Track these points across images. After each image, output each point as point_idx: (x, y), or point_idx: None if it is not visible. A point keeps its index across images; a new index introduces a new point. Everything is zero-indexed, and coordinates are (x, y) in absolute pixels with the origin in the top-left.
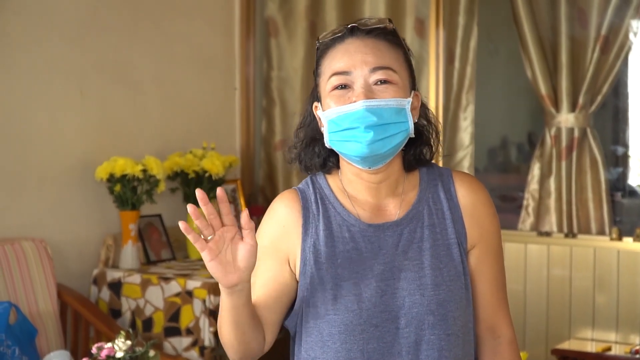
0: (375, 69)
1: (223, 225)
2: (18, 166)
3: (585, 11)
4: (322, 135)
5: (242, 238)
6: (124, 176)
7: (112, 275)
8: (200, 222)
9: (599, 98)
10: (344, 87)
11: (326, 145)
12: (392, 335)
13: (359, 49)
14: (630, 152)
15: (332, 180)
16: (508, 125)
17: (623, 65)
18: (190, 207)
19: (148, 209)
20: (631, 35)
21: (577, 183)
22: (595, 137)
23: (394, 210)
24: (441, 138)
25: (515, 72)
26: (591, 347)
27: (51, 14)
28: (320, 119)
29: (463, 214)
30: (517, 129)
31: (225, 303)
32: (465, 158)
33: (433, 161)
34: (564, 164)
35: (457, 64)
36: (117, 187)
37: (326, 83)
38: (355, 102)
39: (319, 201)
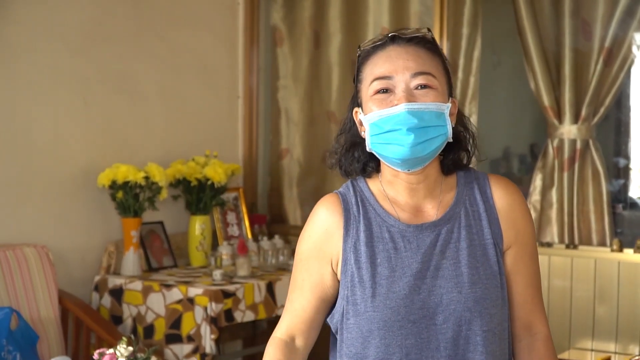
0: (416, 74)
1: None
2: (21, 173)
3: (589, 23)
4: (362, 140)
5: None
6: (126, 183)
7: (114, 281)
8: None
9: (602, 110)
10: (385, 91)
11: (367, 149)
12: (429, 332)
13: (400, 55)
14: (632, 165)
15: (372, 183)
16: (511, 137)
17: (626, 78)
18: None
19: (150, 216)
20: (634, 48)
21: (578, 194)
22: (598, 149)
23: (432, 211)
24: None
25: (518, 83)
26: (591, 358)
27: (55, 24)
28: (361, 123)
29: (499, 216)
30: (520, 140)
31: None
32: None
33: (470, 166)
34: (566, 175)
35: (460, 74)
36: (119, 194)
37: (368, 88)
38: (397, 105)
39: (359, 203)
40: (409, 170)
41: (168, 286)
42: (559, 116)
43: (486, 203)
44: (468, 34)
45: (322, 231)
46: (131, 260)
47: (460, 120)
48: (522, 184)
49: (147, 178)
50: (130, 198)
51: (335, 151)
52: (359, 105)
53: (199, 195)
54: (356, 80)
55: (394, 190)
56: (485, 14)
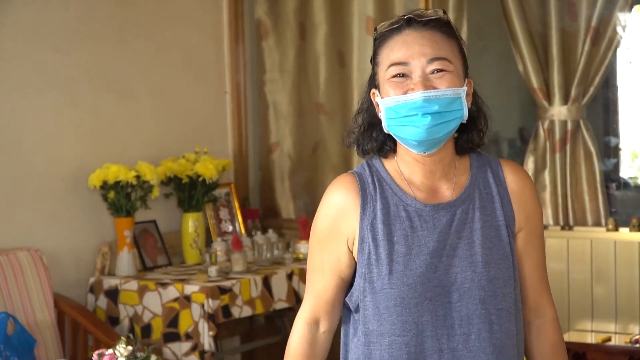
0: (433, 60)
1: None
2: (11, 177)
3: (574, 4)
4: (379, 120)
5: None
6: (117, 183)
7: (109, 282)
8: None
9: (591, 90)
10: (402, 75)
11: (384, 130)
12: (445, 309)
13: (416, 40)
14: (622, 145)
15: (389, 163)
16: (500, 122)
17: (613, 56)
18: None
19: (142, 215)
20: (619, 29)
21: (571, 175)
22: (589, 129)
23: (448, 192)
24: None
25: (506, 67)
26: (591, 339)
27: (40, 24)
28: (378, 104)
29: (511, 199)
30: (509, 124)
31: None
32: None
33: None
34: (558, 156)
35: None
36: (111, 194)
37: (385, 72)
38: (413, 90)
39: (375, 183)
40: (424, 152)
41: (164, 284)
42: (549, 98)
43: (499, 186)
44: (454, 20)
45: (339, 210)
46: (125, 260)
47: (474, 100)
48: None
49: (138, 177)
50: (122, 198)
51: (352, 130)
52: (376, 87)
53: (190, 193)
54: (373, 62)
55: (410, 170)
56: None
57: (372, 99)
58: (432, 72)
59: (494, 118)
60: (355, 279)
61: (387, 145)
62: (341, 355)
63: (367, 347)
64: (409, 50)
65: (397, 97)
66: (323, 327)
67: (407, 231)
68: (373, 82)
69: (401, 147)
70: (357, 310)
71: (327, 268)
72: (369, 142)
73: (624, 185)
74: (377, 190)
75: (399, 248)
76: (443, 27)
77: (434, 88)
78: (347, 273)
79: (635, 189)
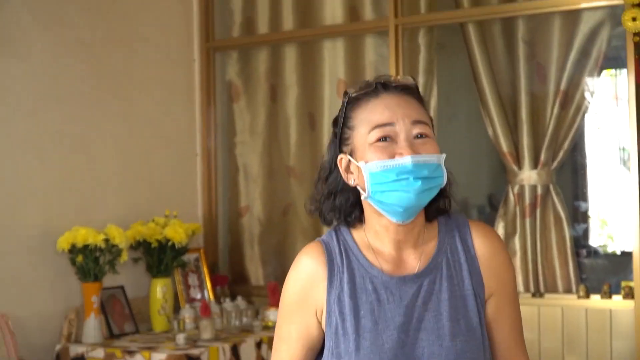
0: (415, 122)
1: None
2: None
3: (543, 67)
4: (343, 188)
5: None
6: (86, 246)
7: (75, 350)
8: None
9: (561, 154)
10: (385, 139)
11: (364, 198)
12: None
13: (398, 103)
14: (590, 212)
15: (356, 232)
16: (469, 188)
17: (582, 121)
18: None
19: (110, 280)
20: (587, 94)
21: (542, 241)
22: (559, 194)
23: (415, 262)
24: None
25: (475, 133)
26: None
27: (7, 84)
28: (347, 170)
29: (480, 265)
30: (479, 191)
31: None
32: None
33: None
34: (528, 221)
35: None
36: (79, 258)
37: (366, 136)
38: (402, 155)
39: (342, 253)
40: (403, 222)
41: (131, 352)
42: (518, 162)
43: (467, 253)
44: (424, 83)
45: (306, 281)
46: (92, 326)
47: None
48: None
49: (107, 240)
50: (90, 262)
51: (314, 197)
52: (349, 152)
53: (159, 257)
54: (342, 126)
55: (379, 241)
56: (441, 62)
57: (339, 165)
58: (416, 137)
59: (463, 184)
60: (324, 350)
61: (353, 215)
62: None
63: None
64: (392, 112)
65: (384, 161)
66: None
67: (374, 305)
68: (338, 147)
69: (372, 216)
70: None
71: (295, 338)
72: (331, 210)
73: (594, 253)
74: (344, 261)
75: (365, 323)
76: (415, 93)
77: (419, 154)
78: (315, 343)
79: (605, 257)
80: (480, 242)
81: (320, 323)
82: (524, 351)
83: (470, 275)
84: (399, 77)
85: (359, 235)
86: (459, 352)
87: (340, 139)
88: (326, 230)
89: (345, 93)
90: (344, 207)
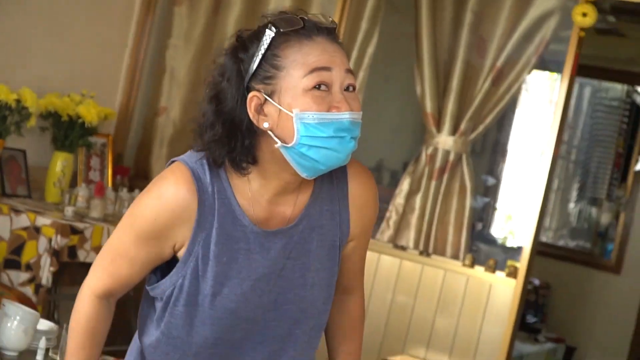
0: (347, 71)
1: None
2: None
3: (485, 40)
4: (245, 131)
5: None
6: None
7: None
8: None
9: (481, 127)
10: (320, 87)
11: (277, 146)
12: (259, 327)
13: (334, 48)
14: (497, 205)
15: (234, 176)
16: (387, 152)
17: (511, 102)
18: None
19: (13, 141)
20: (522, 77)
21: (442, 205)
22: (469, 165)
23: (288, 211)
24: None
25: (406, 95)
26: None
27: None
28: (259, 112)
29: (351, 211)
30: (396, 154)
31: None
32: None
33: None
34: (433, 184)
35: (352, 66)
36: None
37: (299, 80)
38: (339, 110)
39: (215, 194)
40: (308, 177)
41: (17, 211)
42: (438, 125)
43: (341, 202)
44: (366, 29)
45: (172, 217)
46: None
47: None
48: (391, 186)
49: (18, 101)
50: None
51: (203, 132)
52: (259, 90)
53: (67, 132)
54: (263, 61)
55: (262, 190)
56: (387, 13)
57: (248, 104)
58: (347, 89)
59: (384, 146)
60: (168, 279)
61: (245, 163)
62: (138, 330)
63: (168, 347)
64: (330, 57)
65: (323, 114)
66: (115, 298)
67: (239, 254)
68: (246, 81)
69: (273, 167)
70: (163, 309)
71: (140, 262)
72: (226, 153)
73: (492, 241)
74: (216, 204)
75: (227, 270)
76: (338, 40)
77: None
78: (156, 264)
79: (501, 247)
80: (356, 192)
81: (175, 253)
82: (363, 274)
83: (340, 225)
84: (319, 15)
85: (236, 178)
86: (313, 301)
87: (254, 74)
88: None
89: (270, 25)
90: (240, 151)
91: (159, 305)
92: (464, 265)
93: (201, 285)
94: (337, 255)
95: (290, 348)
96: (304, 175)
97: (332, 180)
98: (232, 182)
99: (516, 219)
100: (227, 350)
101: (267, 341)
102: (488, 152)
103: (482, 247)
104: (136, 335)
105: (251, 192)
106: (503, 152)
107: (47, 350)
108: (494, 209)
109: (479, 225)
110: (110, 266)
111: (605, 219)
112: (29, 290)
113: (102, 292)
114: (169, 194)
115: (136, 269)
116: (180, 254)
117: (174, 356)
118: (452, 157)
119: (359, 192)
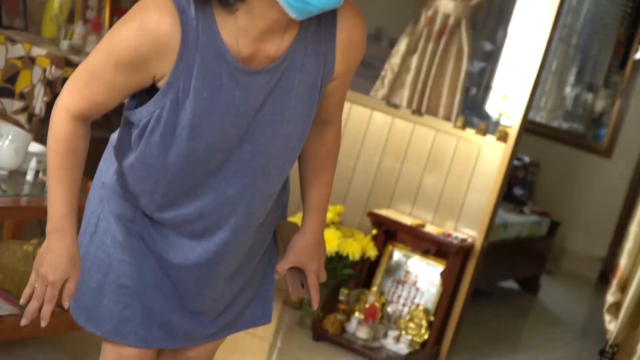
0: None
1: None
2: None
3: None
4: None
5: None
6: None
7: None
8: None
9: None
10: None
11: None
12: (234, 157)
13: None
14: (493, 84)
15: (221, 12)
16: (385, 18)
17: None
18: None
19: None
20: None
21: (438, 67)
22: (468, 30)
23: (272, 50)
24: None
25: None
26: (407, 220)
27: None
28: None
29: (337, 53)
30: (395, 21)
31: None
32: None
33: None
34: (430, 45)
35: None
36: None
37: None
38: None
39: (199, 29)
40: (297, 18)
41: (13, 41)
42: None
43: (327, 43)
44: None
45: (154, 49)
46: None
47: None
48: (389, 46)
49: None
50: None
51: None
52: None
53: None
54: None
55: (249, 27)
56: None
57: None
58: None
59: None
60: (144, 108)
61: None
62: (115, 146)
63: (142, 172)
64: None
65: None
66: (90, 120)
67: (220, 90)
68: None
69: (258, 1)
70: (139, 137)
71: (117, 89)
72: None
73: (485, 89)
74: (200, 38)
75: (206, 105)
76: None
77: None
78: (134, 91)
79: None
80: (342, 30)
81: (155, 83)
82: (342, 107)
83: (325, 65)
84: None
85: (223, 14)
86: (288, 136)
87: None
88: None
89: None
90: None
91: (135, 131)
92: (455, 126)
93: (180, 118)
94: (317, 94)
95: (260, 182)
96: (293, 15)
97: (320, 22)
98: (218, 18)
99: (511, 99)
100: (201, 180)
101: (240, 173)
102: (492, 20)
103: (478, 100)
104: (112, 150)
105: (237, 29)
106: (505, 24)
107: (37, 172)
108: (490, 87)
109: (474, 90)
110: (86, 89)
111: (599, 105)
112: (22, 119)
113: (78, 113)
114: (152, 24)
115: (112, 94)
116: (161, 84)
117: (148, 181)
118: (451, 20)
119: (346, 34)
